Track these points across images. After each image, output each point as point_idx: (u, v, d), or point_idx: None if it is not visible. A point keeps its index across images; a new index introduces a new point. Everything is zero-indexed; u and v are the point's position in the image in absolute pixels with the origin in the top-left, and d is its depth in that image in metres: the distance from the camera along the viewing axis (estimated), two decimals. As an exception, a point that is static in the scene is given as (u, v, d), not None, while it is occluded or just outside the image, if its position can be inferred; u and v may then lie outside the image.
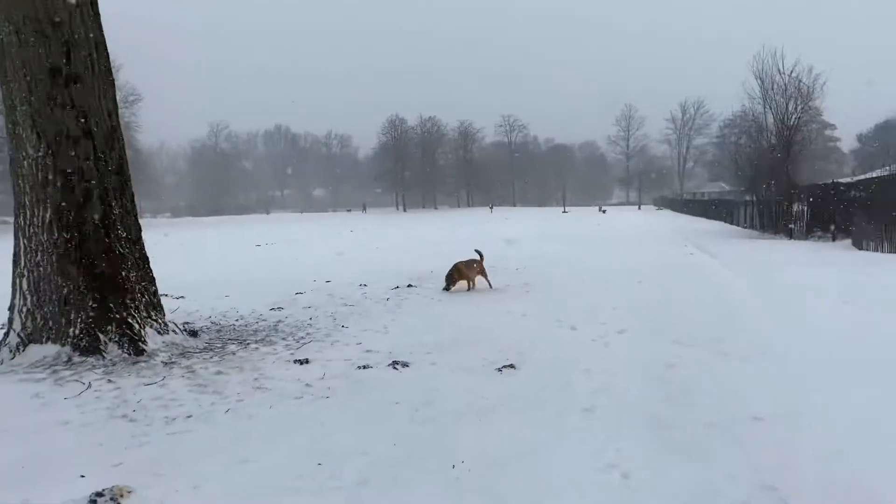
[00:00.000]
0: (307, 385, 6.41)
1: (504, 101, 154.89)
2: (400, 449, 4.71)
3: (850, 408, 5.45)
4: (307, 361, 7.29)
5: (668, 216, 61.05)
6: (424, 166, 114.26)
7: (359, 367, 7.02)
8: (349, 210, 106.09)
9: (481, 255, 13.57)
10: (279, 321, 9.90)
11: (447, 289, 12.72)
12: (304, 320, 9.94)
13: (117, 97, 8.37)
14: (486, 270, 13.49)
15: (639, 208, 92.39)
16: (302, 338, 8.66)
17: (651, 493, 3.99)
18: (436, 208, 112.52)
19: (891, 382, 6.09)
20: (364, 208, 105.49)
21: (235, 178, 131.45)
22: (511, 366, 6.98)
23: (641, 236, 30.65)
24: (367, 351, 7.79)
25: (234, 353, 7.74)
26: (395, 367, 6.98)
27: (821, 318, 9.25)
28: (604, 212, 73.99)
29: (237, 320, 9.99)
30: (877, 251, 19.69)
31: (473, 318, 10.01)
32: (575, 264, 17.43)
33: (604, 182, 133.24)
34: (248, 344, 8.28)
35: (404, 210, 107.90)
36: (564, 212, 78.18)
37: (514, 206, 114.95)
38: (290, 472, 4.34)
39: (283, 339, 8.64)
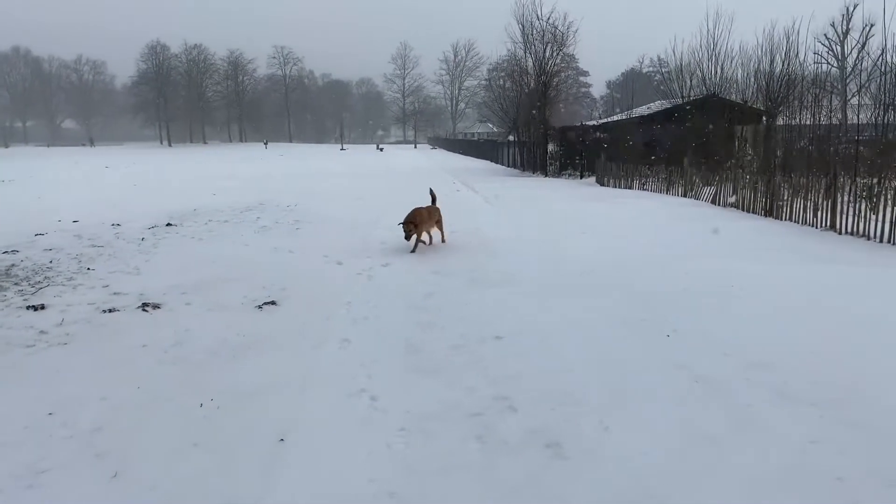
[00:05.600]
0: (42, 332, 5.86)
1: (278, 31, 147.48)
2: (144, 392, 4.51)
3: (573, 324, 6.14)
4: (43, 307, 6.64)
5: (442, 155, 63.26)
6: (191, 98, 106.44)
7: (104, 311, 6.53)
8: (83, 144, 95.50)
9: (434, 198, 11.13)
10: (12, 265, 8.88)
11: (409, 238, 9.94)
12: (43, 263, 9.00)
13: None
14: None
15: (415, 147, 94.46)
16: (39, 282, 7.85)
17: (396, 412, 4.23)
18: (205, 143, 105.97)
19: (614, 302, 6.93)
20: (91, 143, 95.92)
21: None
22: (272, 302, 6.92)
23: (415, 174, 31.47)
24: (115, 293, 7.26)
25: (-49, 303, 6.82)
26: (144, 310, 6.59)
27: (562, 247, 10.21)
28: (381, 150, 74.68)
29: (-42, 266, 8.79)
30: (615, 187, 22.12)
31: (237, 256, 9.71)
32: (348, 201, 17.50)
33: (381, 120, 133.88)
34: (-29, 292, 7.34)
35: (169, 145, 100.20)
36: (342, 149, 77.67)
37: (291, 142, 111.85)
38: (13, 425, 3.97)
39: (16, 283, 7.79)
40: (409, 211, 10.16)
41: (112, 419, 4.08)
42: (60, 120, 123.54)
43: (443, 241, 10.79)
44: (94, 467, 3.52)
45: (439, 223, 10.77)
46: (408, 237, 9.82)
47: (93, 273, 8.38)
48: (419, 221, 9.98)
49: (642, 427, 4.02)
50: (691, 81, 28.11)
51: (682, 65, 28.42)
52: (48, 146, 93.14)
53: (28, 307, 6.66)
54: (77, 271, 8.49)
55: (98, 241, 10.79)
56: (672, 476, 3.46)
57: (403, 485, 3.38)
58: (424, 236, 10.37)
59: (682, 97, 27.73)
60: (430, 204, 10.85)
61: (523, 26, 31.91)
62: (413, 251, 9.87)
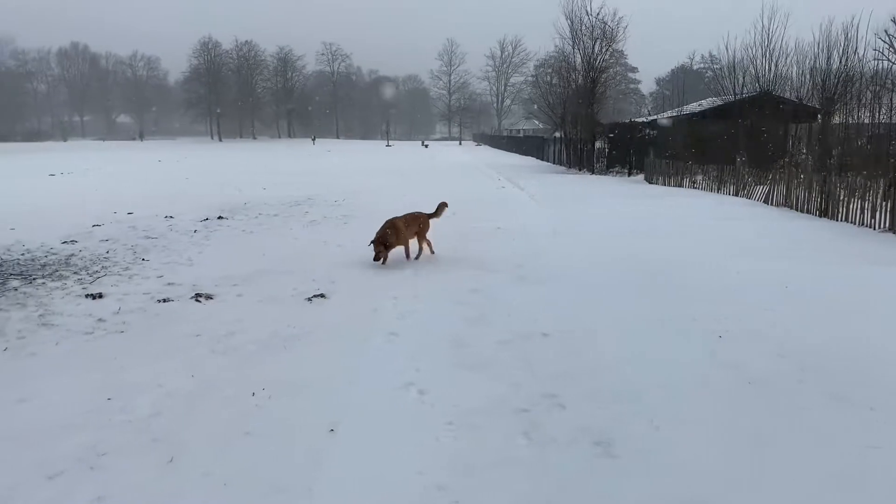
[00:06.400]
0: (100, 320, 6.05)
1: (326, 28, 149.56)
2: (198, 380, 4.62)
3: (622, 323, 6.07)
4: (101, 296, 6.85)
5: (486, 151, 63.14)
6: (241, 93, 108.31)
7: (158, 301, 6.71)
8: (133, 139, 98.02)
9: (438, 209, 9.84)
10: (72, 255, 9.19)
11: (377, 259, 8.77)
12: (100, 254, 9.30)
13: None
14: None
15: (460, 144, 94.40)
16: (97, 272, 8.10)
17: (443, 406, 4.24)
18: (254, 138, 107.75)
19: (663, 301, 6.85)
20: (141, 137, 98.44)
21: (25, 101, 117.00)
22: (321, 295, 7.00)
23: (460, 170, 31.51)
24: (169, 284, 7.45)
25: (16, 290, 7.11)
26: (197, 300, 6.75)
27: (609, 245, 10.09)
28: (426, 146, 74.94)
29: (23, 254, 9.15)
30: (664, 185, 21.77)
31: (287, 249, 9.88)
32: (395, 196, 17.57)
33: (427, 117, 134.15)
34: (34, 279, 7.63)
35: (220, 140, 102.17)
36: (388, 145, 78.21)
37: (338, 138, 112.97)
38: (75, 409, 4.11)
39: (76, 273, 8.06)
40: (400, 216, 9.21)
41: (167, 406, 4.20)
42: (116, 115, 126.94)
43: (430, 251, 9.44)
44: (151, 452, 3.62)
45: (421, 234, 9.36)
46: (377, 258, 8.72)
47: (147, 264, 8.62)
48: (389, 240, 8.78)
49: (694, 428, 3.95)
50: (744, 78, 27.43)
51: (734, 61, 27.74)
52: (103, 140, 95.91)
53: (87, 296, 6.88)
54: (132, 262, 8.74)
55: (152, 233, 11.09)
56: (723, 478, 3.40)
57: (452, 478, 3.40)
58: (414, 247, 9.32)
59: (735, 94, 27.10)
60: (417, 212, 9.56)
61: (572, 22, 31.61)
62: (383, 263, 8.73)
